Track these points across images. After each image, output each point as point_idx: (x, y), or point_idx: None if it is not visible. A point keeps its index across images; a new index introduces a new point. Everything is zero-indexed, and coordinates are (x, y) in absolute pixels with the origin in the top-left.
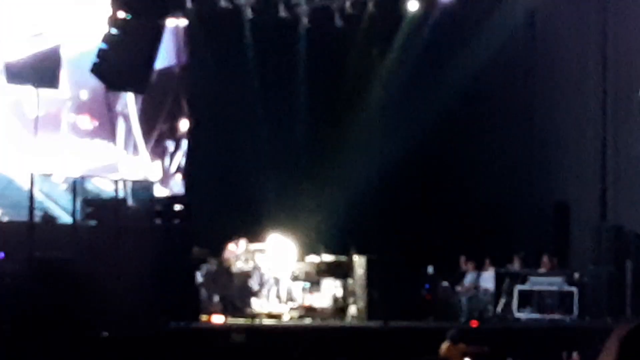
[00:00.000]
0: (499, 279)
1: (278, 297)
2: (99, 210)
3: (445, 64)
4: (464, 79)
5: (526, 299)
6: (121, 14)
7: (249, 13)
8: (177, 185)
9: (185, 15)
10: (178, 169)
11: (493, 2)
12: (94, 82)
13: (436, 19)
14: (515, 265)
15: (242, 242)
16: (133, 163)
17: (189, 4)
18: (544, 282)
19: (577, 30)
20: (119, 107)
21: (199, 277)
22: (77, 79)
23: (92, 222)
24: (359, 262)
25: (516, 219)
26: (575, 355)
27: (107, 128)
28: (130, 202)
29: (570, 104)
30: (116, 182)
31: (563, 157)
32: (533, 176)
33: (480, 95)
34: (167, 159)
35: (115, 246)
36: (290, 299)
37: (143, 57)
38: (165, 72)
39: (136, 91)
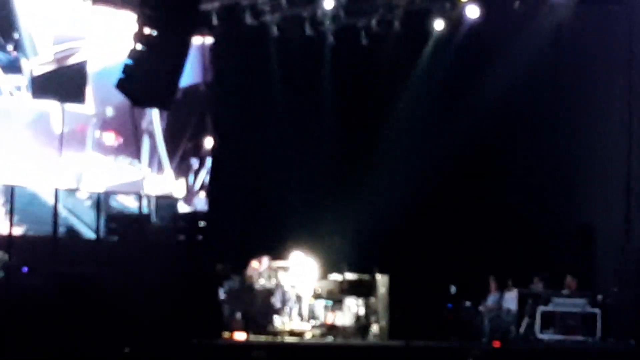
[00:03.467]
0: (522, 300)
1: (300, 314)
2: (123, 226)
3: (471, 83)
4: (489, 97)
5: (549, 320)
6: (147, 30)
7: (274, 31)
8: (201, 203)
9: (211, 33)
10: (202, 187)
11: (519, 20)
12: (119, 99)
13: (462, 37)
14: (539, 286)
15: (265, 259)
16: (157, 180)
17: (215, 21)
18: (567, 304)
19: (604, 48)
20: (144, 124)
21: (222, 293)
22: (103, 95)
23: (115, 238)
24: (382, 280)
25: (540, 239)
26: None
27: (132, 145)
28: (153, 218)
29: (596, 124)
30: (140, 198)
31: (588, 178)
32: (557, 197)
33: (505, 114)
34: (191, 177)
35: (139, 262)
36: (312, 317)
37: (169, 74)
38: (191, 89)
39: (161, 108)
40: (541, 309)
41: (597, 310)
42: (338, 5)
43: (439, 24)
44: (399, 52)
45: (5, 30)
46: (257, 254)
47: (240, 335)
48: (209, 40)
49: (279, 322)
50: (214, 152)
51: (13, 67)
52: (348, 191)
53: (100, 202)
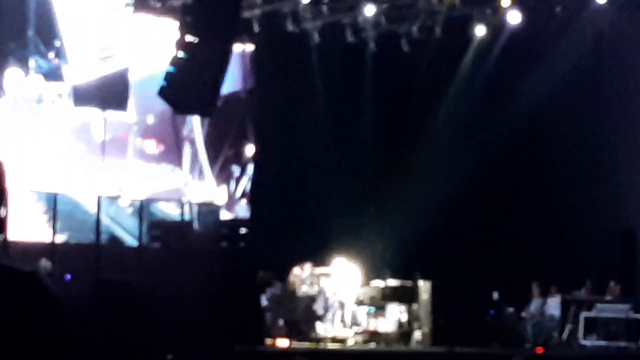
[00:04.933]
0: (565, 306)
1: (343, 321)
2: (165, 233)
3: (513, 88)
4: (530, 104)
5: (592, 326)
6: (189, 38)
7: (316, 38)
8: (243, 210)
9: (253, 40)
10: (243, 194)
11: (560, 25)
12: (161, 107)
13: (503, 43)
14: (582, 292)
15: (307, 266)
16: (199, 187)
17: (256, 29)
18: (610, 310)
19: None
20: (185, 132)
21: (264, 300)
22: (144, 103)
23: (158, 245)
24: (424, 287)
25: (583, 245)
26: None
27: (173, 152)
28: (196, 225)
29: (637, 130)
30: (182, 205)
31: (630, 184)
32: (600, 203)
33: (547, 120)
34: (232, 184)
35: (181, 269)
36: (354, 323)
37: (210, 81)
38: (232, 96)
39: (203, 115)
40: (584, 314)
41: None
42: (379, 12)
43: (480, 30)
44: (440, 58)
45: (47, 38)
46: (299, 260)
47: (282, 342)
48: (250, 47)
49: (322, 328)
50: (255, 159)
51: (54, 74)
52: (390, 197)
53: (142, 210)
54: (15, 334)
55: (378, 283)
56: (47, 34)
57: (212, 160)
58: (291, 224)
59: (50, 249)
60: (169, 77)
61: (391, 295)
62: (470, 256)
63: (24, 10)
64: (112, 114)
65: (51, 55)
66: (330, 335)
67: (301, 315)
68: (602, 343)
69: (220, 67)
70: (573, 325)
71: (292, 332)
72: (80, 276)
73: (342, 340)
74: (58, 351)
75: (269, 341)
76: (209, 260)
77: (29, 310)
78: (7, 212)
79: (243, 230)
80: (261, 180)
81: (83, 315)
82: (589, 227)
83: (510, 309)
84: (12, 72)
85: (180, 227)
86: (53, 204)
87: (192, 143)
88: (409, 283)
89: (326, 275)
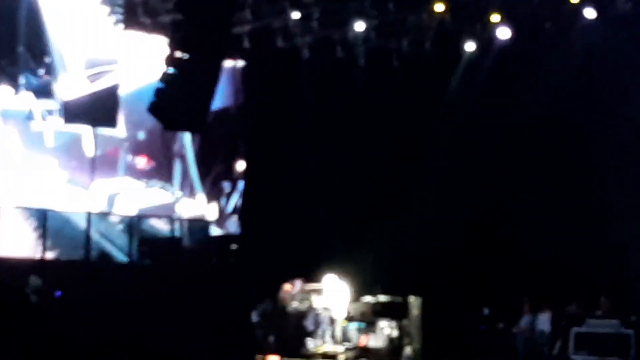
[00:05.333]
0: (555, 321)
1: (333, 337)
2: (155, 249)
3: (503, 103)
4: (521, 118)
5: (582, 341)
6: (179, 54)
7: (306, 53)
8: (233, 226)
9: (243, 56)
10: (234, 210)
11: (550, 41)
12: (151, 123)
13: (493, 58)
14: (572, 307)
15: (298, 282)
16: (189, 204)
17: (246, 45)
18: (600, 325)
19: (635, 68)
20: (175, 148)
21: (255, 316)
22: (135, 119)
23: (148, 262)
24: (415, 302)
25: (573, 261)
26: None
27: (163, 168)
28: (186, 241)
29: (628, 145)
30: (172, 221)
31: (620, 200)
32: (590, 219)
33: (537, 135)
34: (223, 200)
35: (171, 285)
36: (345, 339)
37: (200, 97)
38: (222, 112)
39: (193, 131)
40: (574, 330)
41: (630, 331)
42: (369, 27)
43: (470, 45)
44: (430, 73)
45: (37, 55)
46: (290, 276)
47: (273, 358)
48: (241, 63)
49: (312, 344)
50: (246, 175)
51: (45, 91)
52: (381, 214)
53: (132, 226)
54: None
55: (368, 299)
56: (37, 51)
57: (203, 176)
58: (282, 240)
59: (40, 266)
60: (159, 93)
61: (382, 311)
62: (461, 272)
63: (14, 27)
64: (103, 130)
65: (41, 72)
66: (320, 351)
67: (292, 331)
68: (593, 358)
69: (211, 83)
70: (563, 341)
71: (282, 348)
72: (70, 293)
73: (333, 356)
74: None
75: (259, 357)
76: (199, 276)
77: (14, 326)
78: None
79: (234, 246)
80: (252, 196)
81: (73, 331)
82: (579, 243)
83: (501, 325)
84: (2, 88)
85: (170, 244)
86: (43, 220)
87: (183, 159)
88: (399, 299)
89: (317, 291)
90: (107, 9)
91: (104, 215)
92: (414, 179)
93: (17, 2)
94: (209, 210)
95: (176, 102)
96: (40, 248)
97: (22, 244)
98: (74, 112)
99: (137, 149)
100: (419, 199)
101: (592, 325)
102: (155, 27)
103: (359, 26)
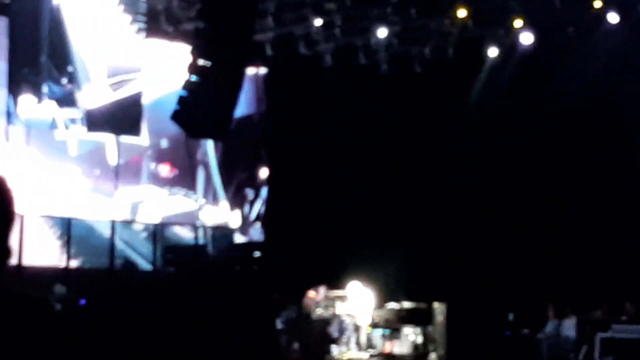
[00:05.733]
0: (580, 327)
1: (358, 344)
2: (179, 257)
3: (526, 109)
4: (544, 124)
5: (608, 346)
6: (201, 62)
7: (328, 60)
8: (257, 233)
9: (265, 63)
10: (257, 217)
11: (573, 46)
12: (174, 131)
13: (516, 63)
14: (598, 313)
15: (322, 289)
16: (213, 211)
17: (269, 52)
18: (626, 330)
19: None
20: (198, 156)
21: (279, 323)
22: (157, 127)
23: (172, 269)
24: (439, 309)
25: (598, 266)
26: None
27: (187, 176)
28: (210, 249)
29: None
30: (196, 229)
31: None
32: (615, 222)
33: (561, 140)
34: (246, 207)
35: (196, 293)
36: (370, 346)
37: (223, 105)
38: (245, 120)
39: (216, 139)
40: (600, 335)
41: None
42: (391, 34)
43: (492, 51)
44: (453, 79)
45: (60, 64)
46: (314, 283)
47: None
48: (263, 70)
49: (337, 351)
50: (269, 182)
51: (68, 100)
52: (405, 219)
53: (156, 234)
54: None
55: (393, 305)
56: (60, 60)
57: (226, 183)
58: (305, 247)
59: (64, 274)
60: (182, 101)
61: (406, 317)
62: (485, 278)
63: (37, 36)
64: (126, 139)
65: (64, 81)
66: (345, 358)
67: (316, 338)
68: None
69: (233, 90)
70: (589, 346)
71: (307, 355)
72: (95, 301)
73: None
74: None
75: None
76: (223, 283)
77: (39, 337)
78: (17, 238)
79: (257, 254)
80: (275, 203)
81: (96, 340)
82: (604, 247)
83: (526, 331)
84: (26, 98)
85: (194, 251)
86: (67, 228)
87: (206, 166)
88: (424, 305)
89: (341, 298)
90: (129, 17)
91: (128, 223)
92: (438, 184)
93: (40, 12)
94: (232, 218)
95: (199, 110)
96: (64, 256)
97: (47, 252)
98: (97, 121)
99: (160, 156)
100: (443, 204)
101: (618, 331)
102: (178, 35)
103: (382, 33)
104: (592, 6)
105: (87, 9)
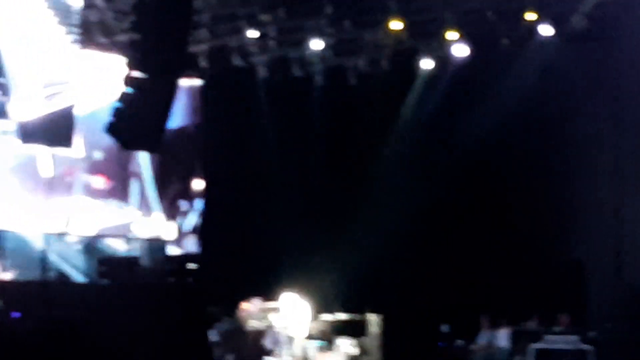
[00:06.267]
0: (514, 337)
1: (292, 356)
2: (113, 269)
3: (460, 120)
4: (478, 135)
5: (542, 357)
6: (136, 73)
7: (263, 72)
8: (192, 245)
9: (200, 75)
10: (193, 229)
11: (507, 58)
12: (108, 142)
13: (450, 75)
14: (531, 324)
15: (257, 300)
16: (147, 223)
17: (203, 63)
18: (559, 341)
19: (591, 85)
20: (132, 167)
21: (213, 336)
22: (91, 139)
23: (106, 282)
24: (374, 320)
25: (531, 276)
26: None
27: (121, 188)
28: (144, 261)
29: (585, 160)
30: (129, 241)
31: (578, 214)
32: (548, 234)
33: (494, 151)
34: (181, 219)
35: (129, 305)
36: (304, 358)
37: (157, 117)
38: (180, 131)
39: (150, 150)
40: (533, 346)
41: (589, 347)
42: (326, 46)
43: (427, 63)
44: (387, 91)
45: None
46: (248, 295)
47: None
48: (198, 82)
49: None
50: (204, 194)
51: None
52: (339, 231)
53: (90, 246)
54: None
55: (327, 317)
56: None
57: (161, 195)
58: (240, 259)
59: None
60: (116, 112)
61: (341, 329)
62: (419, 289)
63: None
64: (59, 151)
65: None
66: None
67: (250, 350)
68: None
69: (167, 102)
70: (522, 357)
71: None
72: (29, 314)
73: None
74: None
75: None
76: (157, 295)
77: None
78: None
79: (191, 265)
80: (210, 215)
81: (32, 353)
82: (537, 258)
83: (460, 341)
84: None
85: (128, 263)
86: (0, 241)
87: (140, 178)
88: (358, 317)
89: (275, 309)
90: (64, 28)
91: (61, 235)
92: (372, 197)
93: None
94: (167, 229)
95: (133, 122)
96: None
97: None
98: (30, 133)
99: (95, 168)
100: (377, 217)
101: (551, 342)
102: (112, 46)
103: (316, 44)
104: (524, 18)
105: (18, 19)
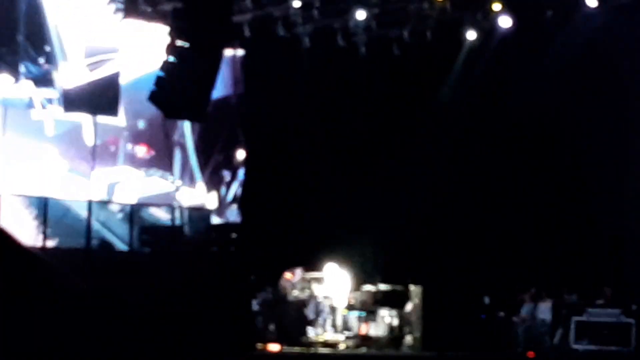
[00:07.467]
0: (556, 310)
1: (334, 326)
2: (155, 238)
3: (504, 93)
4: (522, 108)
5: (583, 330)
6: (179, 42)
7: (306, 42)
8: (234, 215)
9: (243, 45)
10: (234, 199)
11: (552, 30)
12: (151, 112)
13: (494, 47)
14: (573, 297)
15: (299, 270)
16: (189, 192)
17: (247, 33)
18: (601, 314)
19: (637, 55)
20: (175, 137)
21: (255, 305)
22: (135, 108)
23: (148, 250)
24: (415, 291)
25: (574, 250)
26: None
27: (163, 157)
28: (186, 230)
29: (630, 133)
30: (172, 210)
31: (620, 189)
32: (591, 208)
33: (538, 124)
34: (223, 189)
35: (172, 274)
36: (346, 328)
37: (201, 86)
38: (222, 101)
39: (194, 120)
40: (575, 319)
41: (631, 320)
42: (370, 17)
43: (471, 34)
44: (431, 62)
45: (37, 43)
46: (290, 265)
47: (274, 347)
48: (241, 52)
49: (313, 333)
50: (246, 164)
51: (45, 80)
52: (381, 202)
53: (132, 214)
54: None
55: (369, 288)
56: (38, 39)
57: (203, 165)
58: (282, 229)
59: (41, 254)
60: (159, 81)
61: (382, 299)
62: (461, 261)
63: (14, 16)
64: (103, 119)
65: (41, 60)
66: (321, 339)
67: (292, 319)
68: (593, 347)
69: (211, 72)
70: (564, 330)
71: (283, 336)
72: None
73: (333, 345)
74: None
75: (260, 346)
76: (199, 264)
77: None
78: None
79: (234, 235)
80: (252, 185)
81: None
82: (580, 232)
83: (502, 313)
84: (2, 77)
85: (170, 232)
86: (43, 209)
87: (183, 148)
88: (400, 287)
89: (317, 279)
90: None
91: (104, 203)
92: (415, 168)
93: None
94: (209, 199)
95: (177, 91)
96: (40, 236)
97: (23, 232)
98: (74, 101)
99: (137, 137)
100: (420, 188)
101: (593, 315)
102: (156, 15)
103: (360, 15)
104: None
105: None
